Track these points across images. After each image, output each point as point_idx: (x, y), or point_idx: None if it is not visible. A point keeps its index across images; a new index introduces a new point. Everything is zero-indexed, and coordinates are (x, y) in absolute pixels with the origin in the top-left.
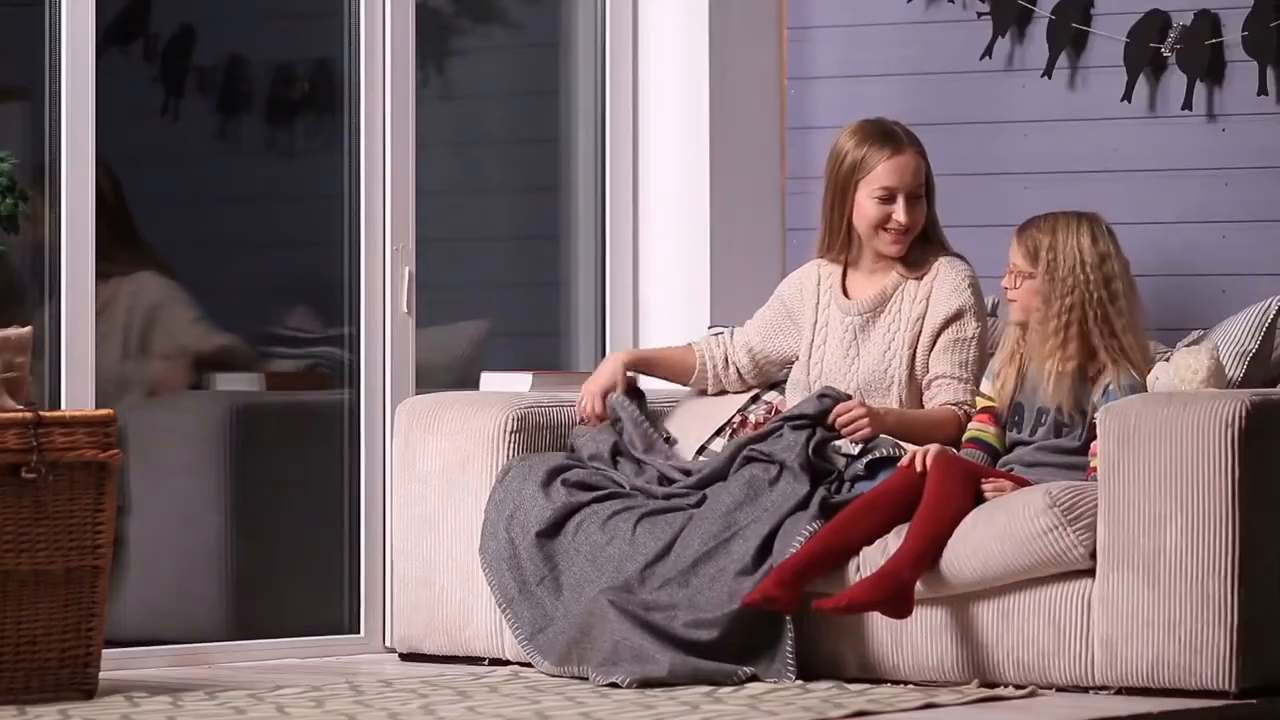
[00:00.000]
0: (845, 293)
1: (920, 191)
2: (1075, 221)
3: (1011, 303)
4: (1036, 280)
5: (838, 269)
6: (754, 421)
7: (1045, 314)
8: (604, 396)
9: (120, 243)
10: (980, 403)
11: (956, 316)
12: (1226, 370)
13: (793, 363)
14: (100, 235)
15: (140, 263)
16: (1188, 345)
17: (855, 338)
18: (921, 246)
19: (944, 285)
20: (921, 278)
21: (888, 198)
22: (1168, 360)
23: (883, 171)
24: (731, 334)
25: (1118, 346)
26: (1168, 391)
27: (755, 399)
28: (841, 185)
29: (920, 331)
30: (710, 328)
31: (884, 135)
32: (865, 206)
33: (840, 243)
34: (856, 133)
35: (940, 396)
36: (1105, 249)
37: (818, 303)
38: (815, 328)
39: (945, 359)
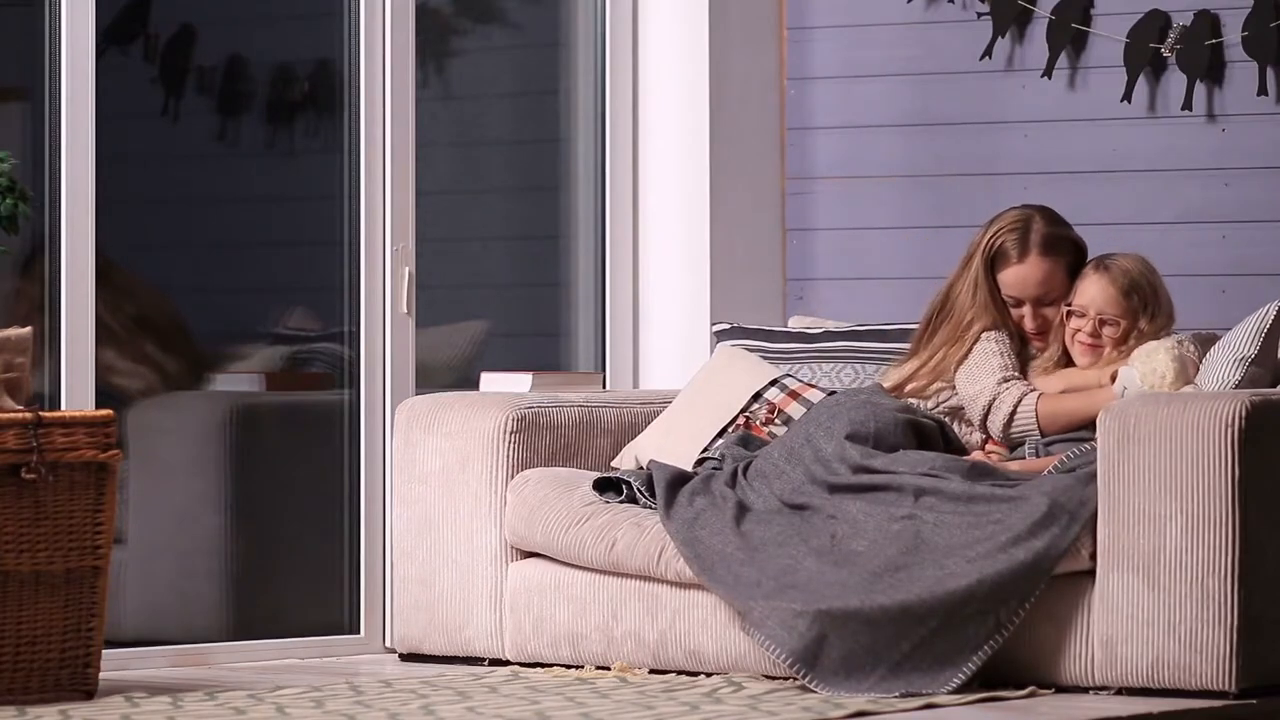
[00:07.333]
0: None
1: (1049, 298)
2: (1133, 258)
3: (1095, 348)
4: (1145, 326)
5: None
6: (757, 423)
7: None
8: None
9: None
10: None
11: None
12: (1227, 373)
13: None
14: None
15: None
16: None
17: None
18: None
19: None
20: None
21: (1016, 303)
22: (1127, 364)
23: (1006, 278)
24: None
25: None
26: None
27: (757, 397)
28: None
29: None
30: (715, 325)
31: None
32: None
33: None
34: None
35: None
36: None
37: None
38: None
39: None
